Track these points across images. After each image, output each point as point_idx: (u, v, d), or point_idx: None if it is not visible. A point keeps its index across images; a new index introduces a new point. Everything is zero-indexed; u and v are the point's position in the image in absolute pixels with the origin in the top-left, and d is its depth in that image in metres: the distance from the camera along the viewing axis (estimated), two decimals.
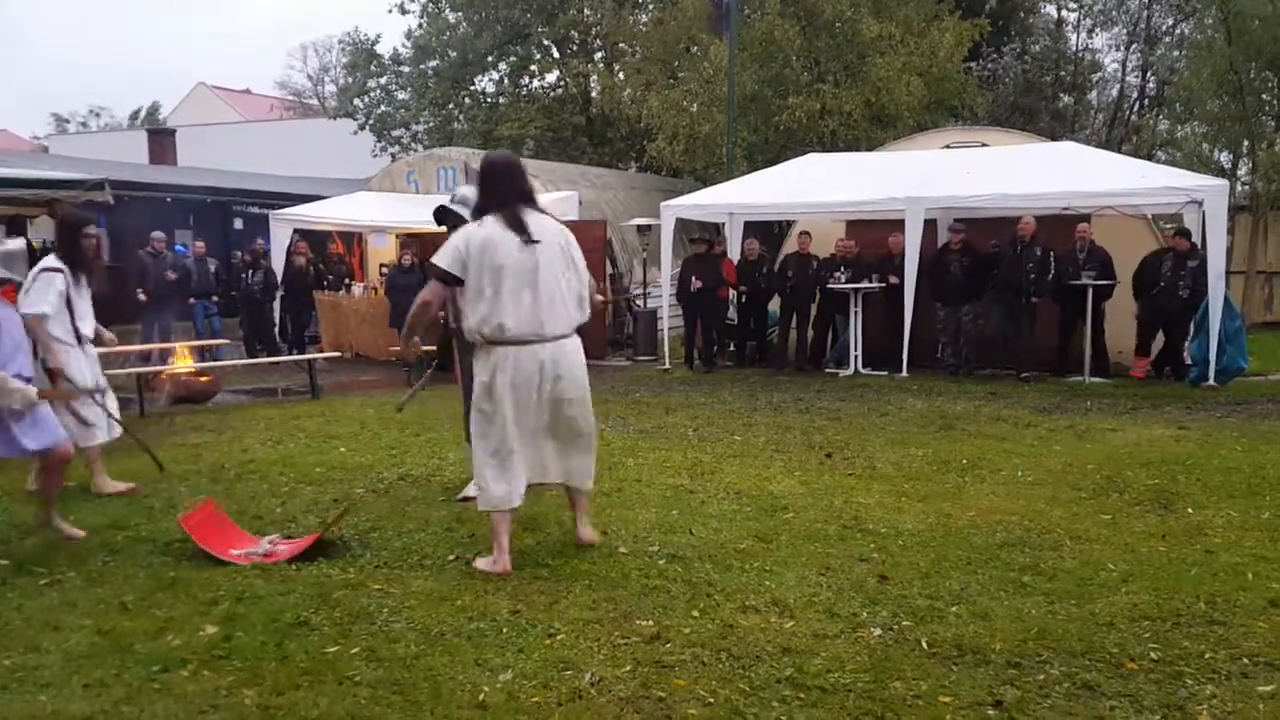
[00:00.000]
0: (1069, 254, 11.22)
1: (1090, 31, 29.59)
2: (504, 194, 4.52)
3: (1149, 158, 20.60)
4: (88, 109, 51.52)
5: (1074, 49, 29.71)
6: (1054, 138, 18.12)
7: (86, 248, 6.20)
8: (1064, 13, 29.27)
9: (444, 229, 5.83)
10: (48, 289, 5.92)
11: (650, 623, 3.92)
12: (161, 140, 27.66)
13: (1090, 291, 10.88)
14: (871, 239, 12.34)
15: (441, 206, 5.87)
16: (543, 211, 4.59)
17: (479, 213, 4.55)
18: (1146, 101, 29.64)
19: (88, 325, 6.16)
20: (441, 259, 4.46)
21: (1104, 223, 11.58)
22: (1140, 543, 4.98)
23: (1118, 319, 11.39)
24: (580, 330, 4.72)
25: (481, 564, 4.59)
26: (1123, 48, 29.38)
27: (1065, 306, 11.30)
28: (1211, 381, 10.33)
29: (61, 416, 5.65)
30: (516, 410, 4.50)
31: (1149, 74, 29.06)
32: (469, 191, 6.01)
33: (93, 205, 10.31)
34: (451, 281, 4.47)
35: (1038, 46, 28.23)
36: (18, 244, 5.28)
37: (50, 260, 6.06)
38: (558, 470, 4.74)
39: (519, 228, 4.44)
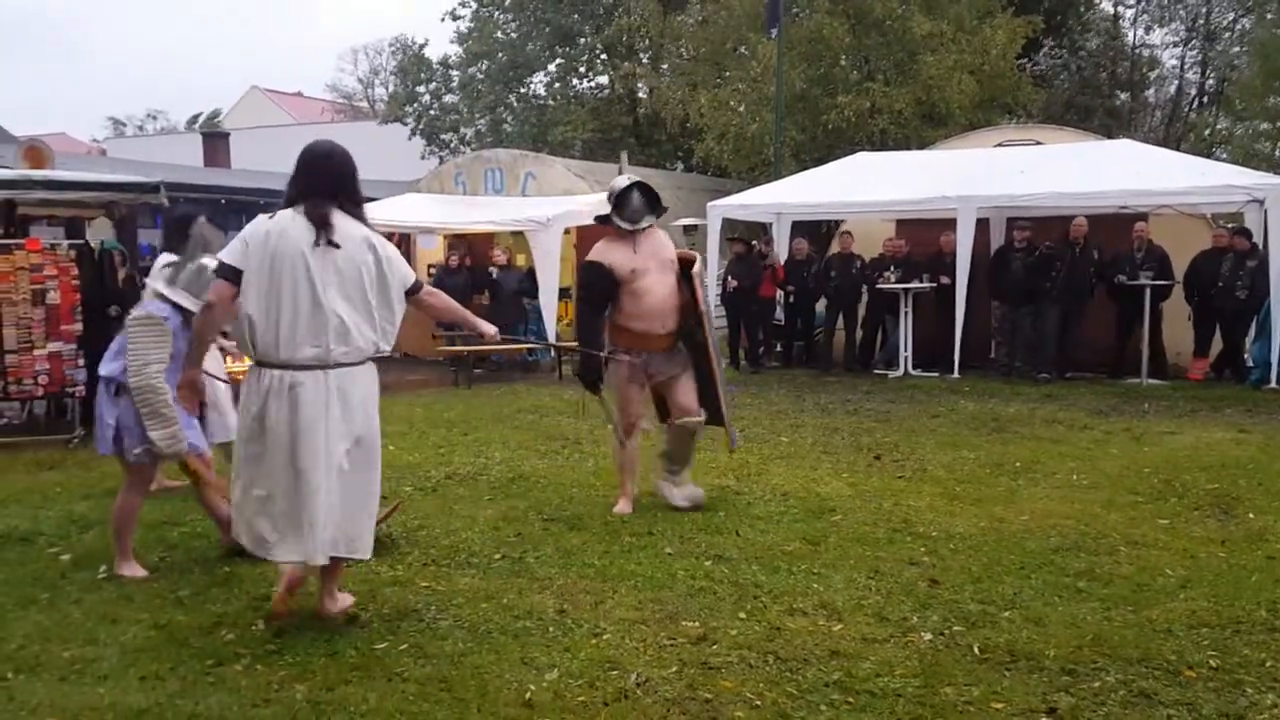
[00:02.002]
0: (1126, 254, 11.01)
1: (1147, 28, 29.03)
2: (311, 185, 3.74)
3: (1208, 155, 20.17)
4: (145, 112, 52.61)
5: (1130, 45, 29.15)
6: (1110, 136, 17.77)
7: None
8: (1120, 9, 28.74)
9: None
10: None
11: (696, 624, 3.90)
12: (215, 143, 28.16)
13: (1148, 292, 10.67)
14: (922, 238, 12.20)
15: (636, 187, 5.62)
16: (360, 219, 3.80)
17: (284, 204, 3.78)
18: (1205, 98, 29.00)
19: None
20: (225, 251, 3.78)
21: (1162, 222, 11.34)
22: (1199, 548, 4.87)
23: (1176, 320, 11.14)
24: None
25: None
26: (1181, 44, 28.78)
27: (1122, 307, 11.09)
28: (1274, 384, 10.08)
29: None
30: (300, 453, 3.66)
31: (1208, 70, 28.44)
32: (618, 181, 5.75)
33: (148, 207, 10.51)
34: (231, 277, 3.67)
35: (1093, 43, 27.73)
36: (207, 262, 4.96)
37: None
38: (342, 538, 3.78)
39: (319, 223, 3.67)
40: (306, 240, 3.66)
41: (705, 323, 5.57)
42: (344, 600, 4.02)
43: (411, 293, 3.93)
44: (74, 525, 5.44)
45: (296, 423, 3.66)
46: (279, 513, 3.71)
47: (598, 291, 5.51)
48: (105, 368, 4.70)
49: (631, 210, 5.55)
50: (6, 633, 3.88)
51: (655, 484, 5.79)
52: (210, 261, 4.66)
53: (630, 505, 5.69)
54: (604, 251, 5.53)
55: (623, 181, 5.67)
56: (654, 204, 5.60)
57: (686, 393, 5.63)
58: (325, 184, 3.77)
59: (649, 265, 5.48)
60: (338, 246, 3.68)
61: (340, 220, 3.73)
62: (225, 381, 5.92)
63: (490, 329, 4.33)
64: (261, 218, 3.76)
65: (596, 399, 5.71)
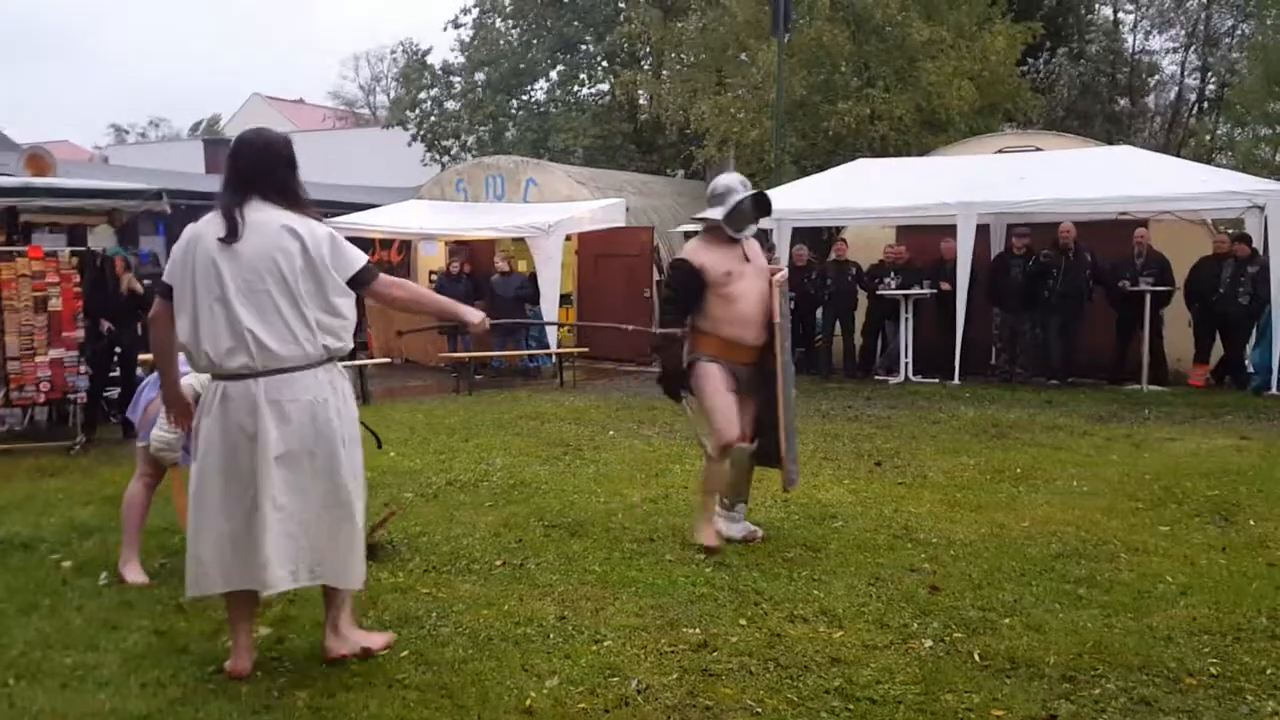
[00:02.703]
0: (1127, 260, 11.02)
1: (1147, 34, 29.08)
2: (227, 178, 3.49)
3: (1209, 161, 20.18)
4: (147, 120, 52.76)
5: (1131, 51, 29.19)
6: (1110, 142, 17.79)
7: None
8: (1120, 14, 28.78)
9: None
10: None
11: (697, 630, 3.90)
12: (217, 150, 28.19)
13: (1148, 298, 10.68)
14: (923, 245, 12.23)
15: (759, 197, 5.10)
16: (296, 206, 3.46)
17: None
18: (1206, 104, 29.03)
19: None
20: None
21: (1163, 228, 11.36)
22: (1200, 555, 4.87)
23: (1176, 325, 11.15)
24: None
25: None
26: (1182, 49, 28.81)
27: (1123, 313, 11.10)
28: (1274, 390, 10.09)
29: None
30: (225, 472, 3.38)
31: (1208, 76, 28.47)
32: (727, 181, 5.18)
33: (151, 214, 10.53)
34: (165, 294, 3.50)
35: (1094, 48, 27.77)
36: None
37: None
38: (296, 562, 3.40)
39: (225, 217, 3.39)
40: (213, 239, 3.38)
41: (778, 340, 5.08)
42: (365, 640, 3.65)
43: (361, 282, 3.49)
44: (75, 532, 5.44)
45: (225, 437, 3.38)
46: (209, 542, 3.39)
47: (686, 293, 5.03)
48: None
49: (741, 218, 5.08)
50: (8, 639, 3.88)
51: (698, 521, 5.11)
52: None
53: (715, 537, 5.01)
54: (696, 251, 5.09)
55: (734, 184, 5.13)
56: (764, 212, 5.20)
57: (748, 418, 5.13)
58: (241, 174, 3.47)
59: (745, 269, 5.04)
60: (235, 239, 3.35)
61: (255, 212, 3.40)
62: None
63: (477, 315, 3.85)
64: (190, 224, 3.52)
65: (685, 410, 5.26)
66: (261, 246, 3.36)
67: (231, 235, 3.35)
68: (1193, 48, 28.37)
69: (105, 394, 8.74)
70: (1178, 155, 20.27)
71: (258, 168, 3.47)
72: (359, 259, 3.50)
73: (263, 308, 3.35)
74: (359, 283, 3.49)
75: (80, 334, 8.04)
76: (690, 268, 5.02)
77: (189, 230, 3.49)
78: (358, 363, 11.82)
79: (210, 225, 3.43)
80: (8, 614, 4.16)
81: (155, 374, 4.68)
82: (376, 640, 3.70)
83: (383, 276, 3.60)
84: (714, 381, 5.01)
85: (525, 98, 26.67)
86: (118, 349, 8.61)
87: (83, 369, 8.08)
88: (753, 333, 5.03)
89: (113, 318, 8.41)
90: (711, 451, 5.09)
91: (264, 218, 3.39)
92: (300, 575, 3.42)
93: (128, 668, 3.60)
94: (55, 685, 3.47)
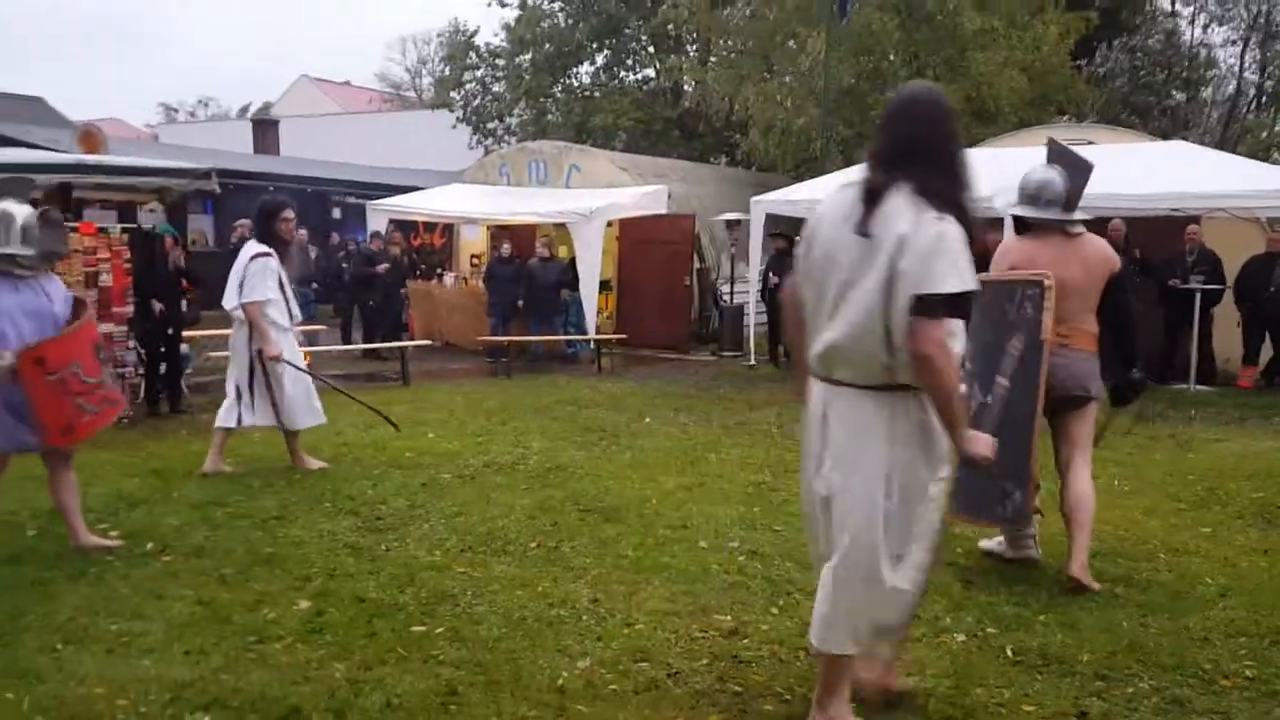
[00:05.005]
0: (1177, 257, 10.84)
1: (1206, 27, 28.45)
2: (881, 150, 2.89)
3: (1265, 158, 19.75)
4: (196, 99, 53.53)
5: (1188, 44, 28.60)
6: (1165, 137, 17.46)
7: (283, 232, 6.46)
8: (1179, 6, 28.20)
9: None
10: (265, 275, 6.17)
11: (729, 617, 3.92)
12: (265, 130, 28.53)
13: (1198, 296, 10.50)
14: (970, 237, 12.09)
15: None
16: (935, 196, 2.80)
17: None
18: (1264, 99, 28.37)
19: (295, 307, 6.52)
20: None
21: (1215, 225, 11.14)
22: (1240, 557, 4.80)
23: (1226, 325, 10.95)
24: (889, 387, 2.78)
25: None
26: (1241, 42, 28.17)
27: (1171, 311, 10.92)
28: None
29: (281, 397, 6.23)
30: (803, 489, 3.06)
31: (1268, 70, 27.83)
32: (1049, 177, 4.83)
33: (200, 193, 10.70)
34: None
35: (1151, 40, 27.22)
36: (24, 212, 4.47)
37: (259, 246, 6.30)
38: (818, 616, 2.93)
39: (865, 200, 2.80)
40: (844, 225, 2.81)
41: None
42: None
43: (916, 307, 2.70)
44: (122, 502, 5.58)
45: (805, 440, 3.02)
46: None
47: None
48: None
49: None
50: (56, 605, 3.99)
51: (1008, 547, 4.67)
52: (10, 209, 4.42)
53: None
54: None
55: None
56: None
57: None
58: (895, 146, 2.86)
59: None
60: (867, 236, 2.76)
61: (896, 200, 2.76)
62: (305, 371, 6.50)
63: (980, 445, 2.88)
64: (828, 194, 3.01)
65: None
66: (875, 244, 2.75)
67: (863, 226, 2.77)
68: (1252, 41, 27.75)
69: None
70: (1234, 151, 19.87)
71: (912, 139, 2.86)
72: (938, 282, 2.72)
73: (848, 313, 2.80)
74: (915, 306, 2.70)
75: (129, 310, 8.19)
76: None
77: (823, 203, 2.99)
78: (398, 344, 11.95)
79: (839, 201, 2.89)
80: (57, 581, 4.28)
81: None
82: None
83: (930, 329, 2.70)
84: None
85: (568, 81, 26.68)
86: (169, 329, 8.70)
87: (131, 344, 8.23)
88: None
89: (160, 295, 8.54)
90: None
91: (891, 208, 2.76)
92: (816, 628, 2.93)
93: (171, 635, 3.70)
94: (101, 650, 3.57)
